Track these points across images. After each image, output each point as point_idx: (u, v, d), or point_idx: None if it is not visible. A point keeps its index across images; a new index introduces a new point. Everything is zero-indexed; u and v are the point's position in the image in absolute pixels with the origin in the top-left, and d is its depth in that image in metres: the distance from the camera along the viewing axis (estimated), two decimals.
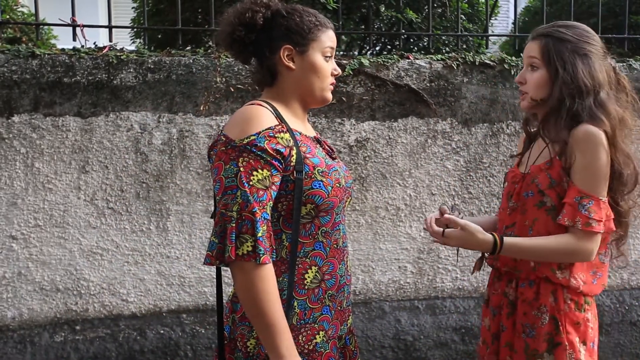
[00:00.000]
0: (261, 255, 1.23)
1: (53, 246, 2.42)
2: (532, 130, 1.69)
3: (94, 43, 2.67)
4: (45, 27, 3.28)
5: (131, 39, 3.62)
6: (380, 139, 2.60)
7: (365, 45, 3.29)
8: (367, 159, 2.60)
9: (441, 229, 1.51)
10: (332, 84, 1.44)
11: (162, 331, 2.48)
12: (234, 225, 1.23)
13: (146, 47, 2.93)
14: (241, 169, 1.25)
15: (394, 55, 2.66)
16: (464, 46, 3.23)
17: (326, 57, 1.41)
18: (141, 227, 2.47)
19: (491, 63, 2.69)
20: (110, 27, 2.67)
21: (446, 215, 1.53)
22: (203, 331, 2.50)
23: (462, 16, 3.21)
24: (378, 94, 2.60)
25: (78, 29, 2.63)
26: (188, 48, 3.11)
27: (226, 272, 2.28)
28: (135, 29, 3.53)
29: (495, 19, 3.97)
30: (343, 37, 3.26)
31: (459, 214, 1.66)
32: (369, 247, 2.63)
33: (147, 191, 2.46)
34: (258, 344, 1.33)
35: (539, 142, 1.61)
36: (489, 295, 1.69)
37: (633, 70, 2.79)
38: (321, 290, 1.38)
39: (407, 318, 2.65)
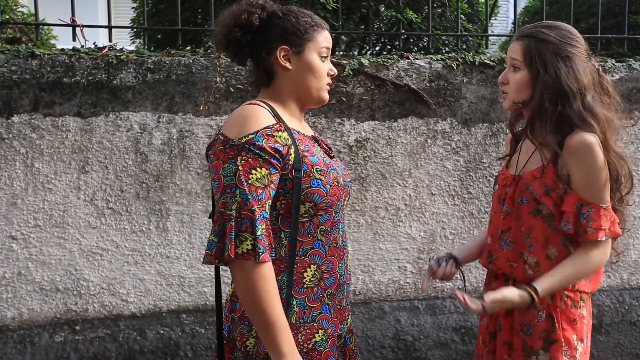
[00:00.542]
0: (260, 253, 1.23)
1: (53, 246, 2.42)
2: (518, 130, 1.67)
3: (94, 43, 2.67)
4: (45, 27, 3.28)
5: (131, 39, 3.63)
6: (380, 139, 2.60)
7: (365, 45, 3.29)
8: (367, 159, 2.60)
9: (481, 306, 1.47)
10: (328, 84, 1.45)
11: (162, 331, 2.48)
12: (233, 223, 1.23)
13: (146, 47, 2.93)
14: (240, 167, 1.26)
15: (394, 55, 2.66)
16: (464, 46, 3.23)
17: (322, 57, 1.41)
18: (141, 227, 2.47)
19: (491, 63, 2.69)
20: (110, 27, 2.67)
21: (472, 306, 1.47)
22: (203, 331, 2.50)
23: (462, 16, 3.21)
24: (378, 94, 2.60)
25: (78, 29, 2.63)
26: (188, 48, 3.12)
27: (225, 272, 2.28)
28: (135, 29, 3.54)
29: (495, 19, 3.97)
30: (343, 37, 3.26)
31: (450, 258, 1.69)
32: (368, 247, 2.63)
33: (147, 191, 2.46)
34: (257, 343, 1.33)
35: (527, 143, 1.60)
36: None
37: (633, 70, 2.79)
38: (320, 289, 1.38)
39: (407, 318, 2.64)
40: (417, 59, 2.68)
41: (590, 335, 1.60)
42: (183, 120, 2.47)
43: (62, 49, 2.56)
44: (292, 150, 1.32)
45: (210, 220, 1.37)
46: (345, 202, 1.47)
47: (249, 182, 1.25)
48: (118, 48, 2.61)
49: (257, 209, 1.24)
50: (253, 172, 1.26)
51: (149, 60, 2.46)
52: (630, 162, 1.56)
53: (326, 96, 1.46)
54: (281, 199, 1.32)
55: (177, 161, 2.47)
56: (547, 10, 3.38)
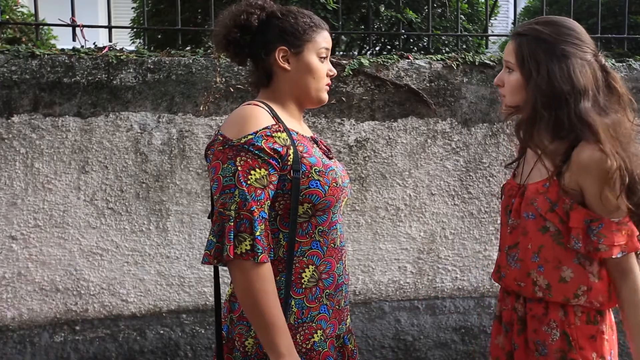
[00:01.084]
0: (259, 254, 1.23)
1: (53, 246, 2.42)
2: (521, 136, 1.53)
3: (94, 43, 2.67)
4: (45, 27, 3.28)
5: (131, 39, 3.63)
6: (380, 139, 2.60)
7: (365, 45, 3.29)
8: (366, 159, 2.60)
9: None
10: (327, 85, 1.45)
11: (162, 331, 2.48)
12: (232, 224, 1.24)
13: (146, 47, 2.94)
14: (239, 168, 1.26)
15: (394, 55, 2.66)
16: (464, 46, 3.23)
17: (321, 58, 1.41)
18: (141, 227, 2.47)
19: (491, 63, 2.69)
20: (110, 27, 2.67)
21: None
22: (203, 331, 2.50)
23: (462, 16, 3.21)
24: (378, 94, 2.60)
25: (78, 29, 2.63)
26: (188, 48, 3.12)
27: (225, 272, 2.28)
28: (135, 29, 3.54)
29: (495, 19, 3.97)
30: (343, 37, 3.26)
31: None
32: (368, 247, 2.63)
33: (147, 191, 2.46)
34: (256, 343, 1.33)
35: (530, 151, 1.48)
36: (500, 311, 1.57)
37: (633, 70, 2.79)
38: (318, 289, 1.38)
39: (407, 318, 2.64)
40: (417, 59, 2.68)
41: (615, 352, 1.46)
42: (183, 121, 2.47)
43: (62, 49, 2.56)
44: (291, 151, 1.32)
45: (210, 220, 1.37)
46: (344, 202, 1.46)
47: (248, 182, 1.25)
48: (118, 48, 2.61)
49: (256, 210, 1.25)
50: (252, 172, 1.26)
51: (149, 61, 2.46)
52: None
53: (325, 97, 1.46)
54: (280, 200, 1.32)
55: (177, 161, 2.47)
56: (547, 10, 3.38)
